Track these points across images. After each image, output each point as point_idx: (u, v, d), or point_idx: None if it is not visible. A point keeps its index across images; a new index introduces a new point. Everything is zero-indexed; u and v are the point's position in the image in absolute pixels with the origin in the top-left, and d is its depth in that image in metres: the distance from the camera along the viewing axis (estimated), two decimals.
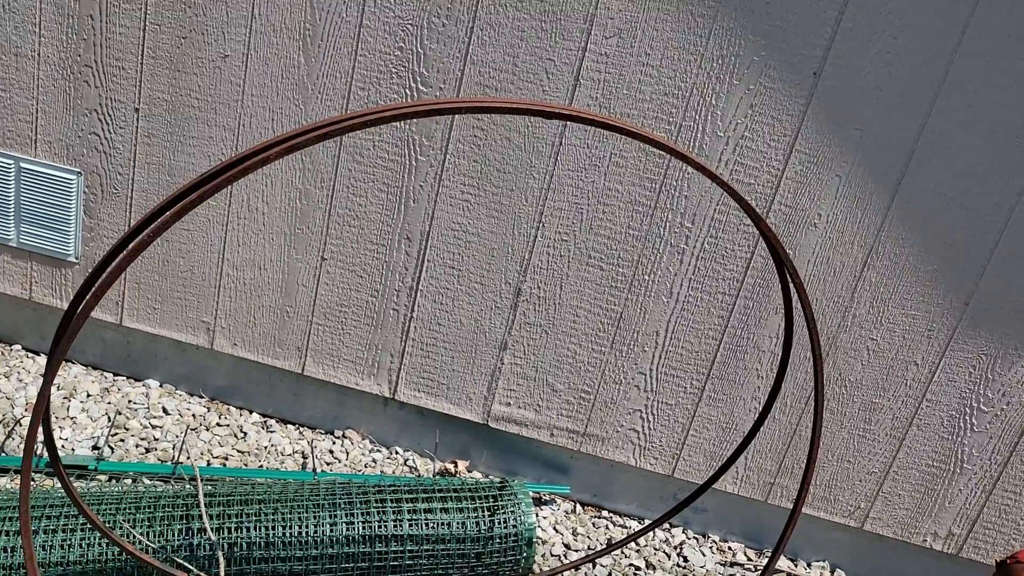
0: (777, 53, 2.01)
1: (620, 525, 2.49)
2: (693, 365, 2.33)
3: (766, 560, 2.49)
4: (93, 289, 1.17)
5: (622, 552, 2.38)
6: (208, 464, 2.33)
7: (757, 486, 2.43)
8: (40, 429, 1.23)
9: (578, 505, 2.53)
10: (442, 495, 1.99)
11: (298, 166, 2.25)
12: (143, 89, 2.22)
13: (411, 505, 1.94)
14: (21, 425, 2.26)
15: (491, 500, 2.01)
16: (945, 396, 2.26)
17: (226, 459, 2.36)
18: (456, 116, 2.17)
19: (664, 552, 2.42)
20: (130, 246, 1.17)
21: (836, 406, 2.32)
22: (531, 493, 2.46)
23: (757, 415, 2.29)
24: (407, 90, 2.15)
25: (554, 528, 2.40)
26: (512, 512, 2.02)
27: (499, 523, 1.99)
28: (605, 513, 2.53)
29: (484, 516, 1.98)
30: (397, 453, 2.54)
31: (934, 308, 2.18)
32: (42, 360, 2.52)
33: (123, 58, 2.19)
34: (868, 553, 2.49)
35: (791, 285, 1.56)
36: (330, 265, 2.35)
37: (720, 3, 1.98)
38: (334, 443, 2.51)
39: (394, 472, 2.46)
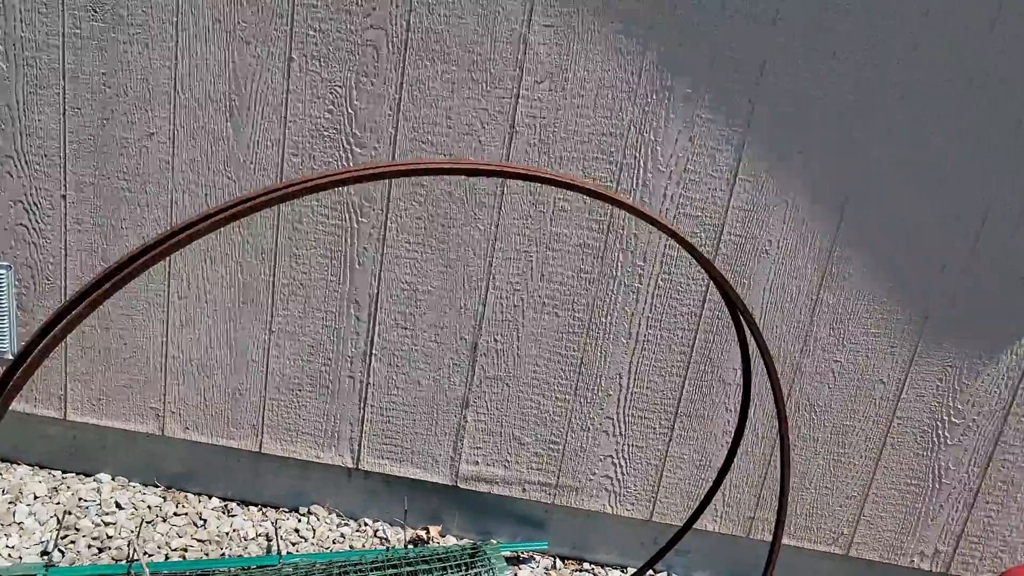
0: (710, 85, 2.00)
1: None
2: (660, 404, 2.28)
3: None
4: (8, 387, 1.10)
5: None
6: (166, 558, 2.22)
7: (737, 522, 2.37)
8: None
9: (558, 560, 2.45)
10: (411, 567, 1.90)
11: (237, 239, 2.19)
12: (68, 175, 2.15)
13: None
14: None
15: (463, 568, 1.93)
16: (915, 412, 2.23)
17: (186, 550, 2.25)
18: None
19: None
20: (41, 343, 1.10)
21: (808, 432, 2.27)
22: (506, 552, 2.37)
23: (727, 450, 2.25)
24: (342, 151, 2.10)
25: None
26: (493, 574, 1.94)
27: None
28: (586, 565, 2.45)
29: None
30: (366, 525, 2.44)
31: (894, 325, 2.16)
32: None
33: (45, 145, 2.12)
34: None
35: (744, 327, 1.52)
36: (279, 338, 2.27)
37: (647, 40, 1.97)
38: (299, 520, 2.41)
39: (363, 545, 2.36)
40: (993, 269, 2.08)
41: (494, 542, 2.38)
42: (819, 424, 2.26)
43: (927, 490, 2.30)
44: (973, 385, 2.19)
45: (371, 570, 1.88)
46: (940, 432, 2.24)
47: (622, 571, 2.44)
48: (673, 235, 1.42)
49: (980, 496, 2.29)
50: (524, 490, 2.38)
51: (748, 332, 1.51)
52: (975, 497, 2.29)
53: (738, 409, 2.26)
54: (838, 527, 2.35)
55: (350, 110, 2.07)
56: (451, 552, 1.99)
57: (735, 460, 2.28)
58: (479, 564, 1.95)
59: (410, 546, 2.31)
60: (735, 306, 1.50)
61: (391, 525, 2.45)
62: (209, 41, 2.03)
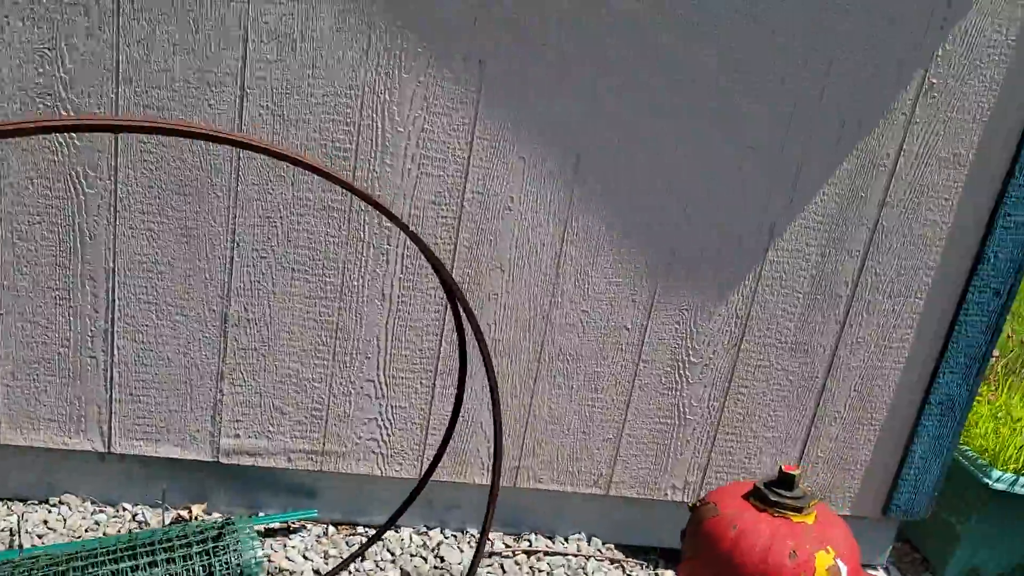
0: (440, 44, 2.02)
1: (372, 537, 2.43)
2: (420, 364, 2.31)
3: (525, 544, 2.52)
4: None
5: (376, 566, 2.32)
6: None
7: (504, 472, 2.45)
8: None
9: (330, 527, 2.45)
10: (148, 549, 1.84)
11: None
12: None
13: (113, 567, 1.78)
14: None
15: (207, 544, 1.89)
16: (658, 355, 2.37)
17: None
18: (120, 142, 2.02)
19: (421, 556, 2.38)
20: None
21: (563, 380, 2.37)
22: (275, 524, 2.35)
23: (488, 405, 2.31)
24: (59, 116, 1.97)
25: (303, 556, 2.30)
26: (235, 551, 1.91)
27: (220, 565, 1.87)
28: (360, 529, 2.46)
29: (199, 562, 1.86)
30: (125, 510, 2.34)
31: (633, 274, 2.28)
32: None
33: None
34: (619, 516, 2.57)
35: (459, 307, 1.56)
36: (8, 319, 2.12)
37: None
38: (49, 512, 2.28)
39: (119, 531, 2.27)
40: (716, 222, 2.23)
41: (247, 516, 2.35)
42: (573, 372, 2.36)
43: (674, 427, 2.45)
44: (707, 326, 2.35)
45: (107, 559, 1.81)
46: (682, 372, 2.39)
47: (396, 530, 2.47)
48: (377, 206, 1.42)
49: (721, 428, 2.46)
50: (290, 460, 2.36)
51: (462, 311, 1.55)
52: (717, 430, 2.47)
53: (493, 364, 2.32)
54: (598, 468, 2.48)
55: (62, 73, 1.94)
56: (199, 529, 1.94)
57: (499, 411, 2.35)
58: (229, 537, 1.92)
59: (170, 527, 2.24)
60: (450, 288, 1.53)
61: (152, 508, 2.37)
62: None
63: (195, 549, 1.87)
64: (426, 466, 2.41)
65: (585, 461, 2.47)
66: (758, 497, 1.64)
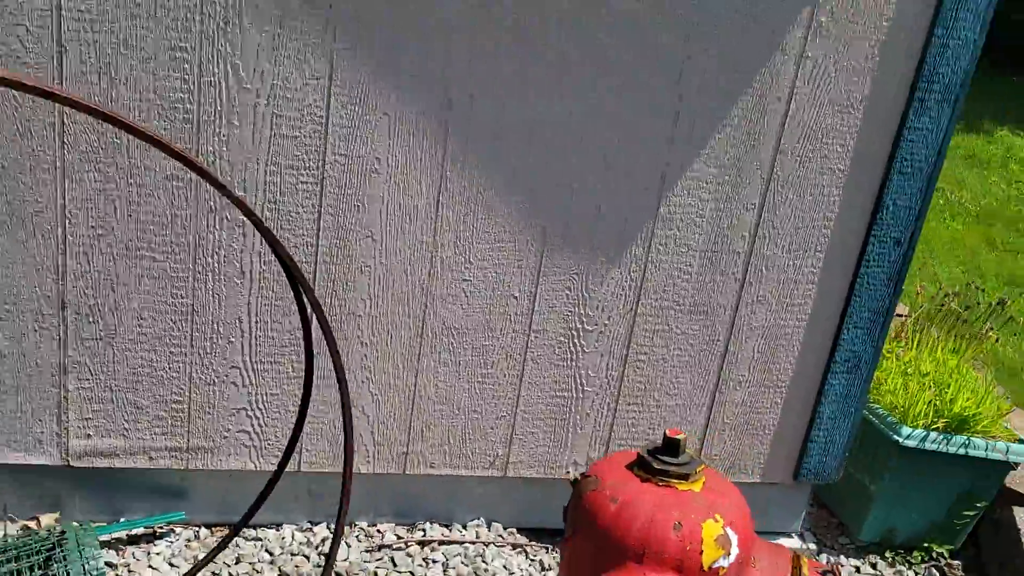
0: None
1: (254, 539, 2.23)
2: (289, 346, 2.11)
3: (419, 534, 2.35)
4: None
5: (253, 568, 2.12)
6: None
7: (391, 459, 2.27)
8: None
9: (202, 529, 2.24)
10: None
11: None
12: None
13: None
14: None
15: (44, 553, 1.67)
16: (550, 324, 2.21)
17: None
18: None
19: (304, 554, 2.19)
20: None
21: (449, 357, 2.20)
22: (138, 530, 2.13)
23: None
24: None
25: (169, 563, 2.09)
26: (73, 564, 1.69)
27: None
28: None
29: None
30: None
31: (518, 237, 2.11)
32: None
33: None
34: (519, 498, 2.42)
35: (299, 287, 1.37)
36: None
37: None
38: None
39: None
40: (604, 178, 2.08)
41: (106, 523, 2.13)
42: (459, 347, 2.19)
43: (572, 400, 2.31)
44: (600, 291, 2.20)
45: None
46: (576, 341, 2.24)
47: (276, 529, 2.27)
48: (212, 182, 1.23)
49: (622, 398, 2.33)
50: (151, 459, 2.14)
51: (302, 291, 1.37)
52: (617, 400, 2.33)
53: (372, 343, 2.14)
54: (493, 449, 2.32)
55: None
56: (31, 543, 1.72)
57: (374, 399, 2.18)
58: (67, 549, 1.70)
59: (8, 539, 2.00)
60: (289, 270, 1.35)
61: None
62: None
63: (24, 563, 1.65)
64: (305, 457, 2.22)
65: (479, 442, 2.30)
66: (642, 466, 1.49)
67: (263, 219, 1.98)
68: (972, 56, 2.09)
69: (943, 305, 3.06)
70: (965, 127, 8.68)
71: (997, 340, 2.96)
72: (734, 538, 1.42)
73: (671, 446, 1.49)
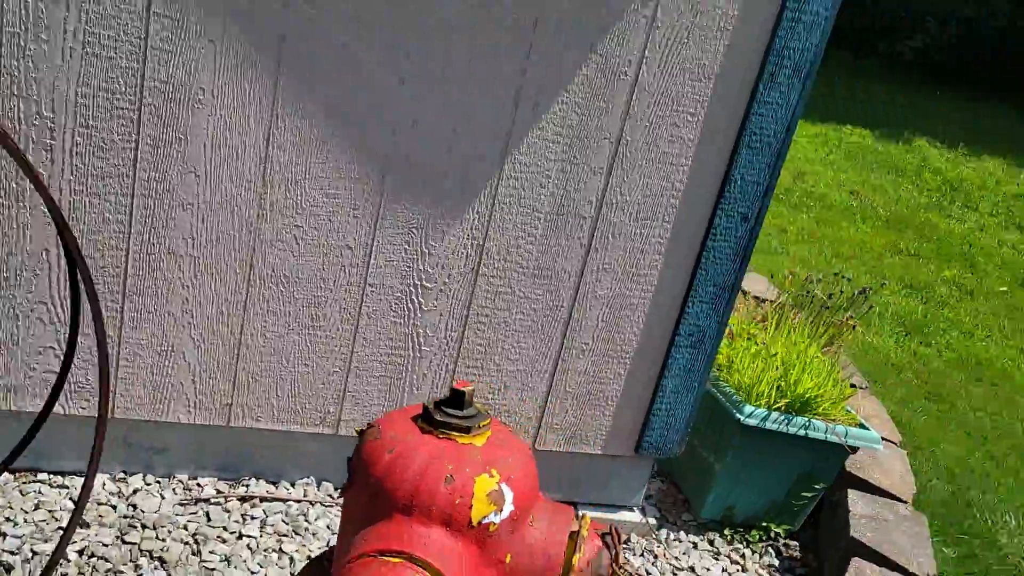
0: None
1: (60, 486, 2.11)
2: (104, 282, 1.99)
3: (242, 490, 2.26)
4: None
5: (51, 515, 2.01)
6: None
7: (214, 410, 2.17)
8: None
9: (6, 474, 2.11)
10: None
11: None
12: None
13: None
14: None
15: None
16: (387, 278, 2.14)
17: None
18: None
19: (111, 504, 2.08)
20: None
21: (278, 306, 2.11)
22: None
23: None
24: None
25: None
26: None
27: None
28: (43, 476, 2.14)
29: None
30: None
31: (354, 185, 2.03)
32: None
33: None
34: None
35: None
36: None
37: None
38: None
39: None
40: (446, 128, 2.01)
41: None
42: (289, 297, 2.11)
43: (409, 359, 2.24)
44: (440, 247, 2.14)
45: None
46: (414, 298, 2.18)
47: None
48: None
49: (461, 360, 2.27)
50: None
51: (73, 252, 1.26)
52: (456, 362, 2.27)
53: (196, 286, 2.04)
54: (324, 405, 2.24)
55: None
56: None
57: (196, 345, 2.07)
58: None
59: None
60: (59, 229, 1.24)
61: None
62: None
63: None
64: (119, 402, 2.11)
65: (309, 397, 2.22)
66: (425, 418, 1.43)
67: (77, 144, 1.86)
68: (823, 32, 2.07)
69: (808, 292, 3.09)
70: (887, 135, 8.88)
71: (855, 327, 3.00)
72: (509, 495, 1.37)
73: (456, 398, 1.43)
